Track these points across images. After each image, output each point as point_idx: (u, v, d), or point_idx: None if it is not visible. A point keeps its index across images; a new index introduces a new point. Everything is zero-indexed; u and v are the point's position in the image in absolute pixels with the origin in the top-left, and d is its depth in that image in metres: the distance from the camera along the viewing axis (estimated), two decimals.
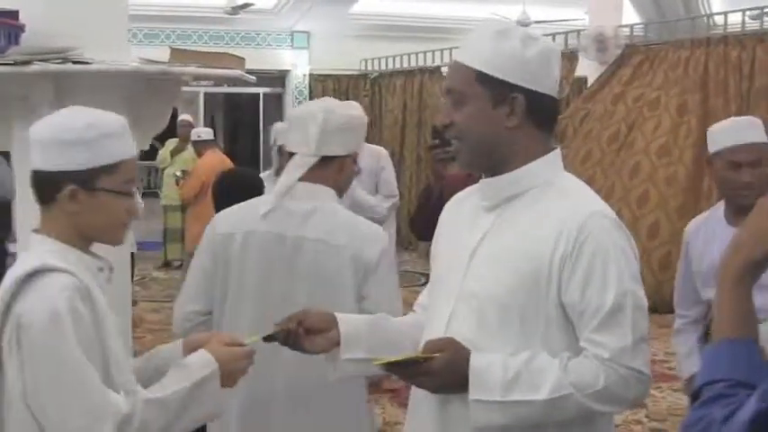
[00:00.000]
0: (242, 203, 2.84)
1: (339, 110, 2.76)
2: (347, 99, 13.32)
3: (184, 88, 3.78)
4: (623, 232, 2.07)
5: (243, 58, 3.51)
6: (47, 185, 2.03)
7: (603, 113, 8.57)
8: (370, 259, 2.68)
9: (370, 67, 13.71)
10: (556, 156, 2.15)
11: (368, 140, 4.06)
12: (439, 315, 2.16)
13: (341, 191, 2.81)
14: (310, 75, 13.78)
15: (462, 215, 2.24)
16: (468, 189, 2.33)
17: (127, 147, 2.04)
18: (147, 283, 10.40)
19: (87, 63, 3.10)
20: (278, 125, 6.88)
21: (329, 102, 2.83)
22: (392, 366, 2.06)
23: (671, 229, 7.54)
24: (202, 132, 9.33)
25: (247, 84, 3.67)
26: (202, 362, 2.10)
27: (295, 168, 2.73)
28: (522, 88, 2.06)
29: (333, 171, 2.75)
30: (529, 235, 2.04)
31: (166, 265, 11.20)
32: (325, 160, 2.73)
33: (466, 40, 2.15)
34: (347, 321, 2.29)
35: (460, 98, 2.09)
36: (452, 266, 2.16)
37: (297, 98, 13.72)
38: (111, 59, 3.19)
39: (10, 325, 1.95)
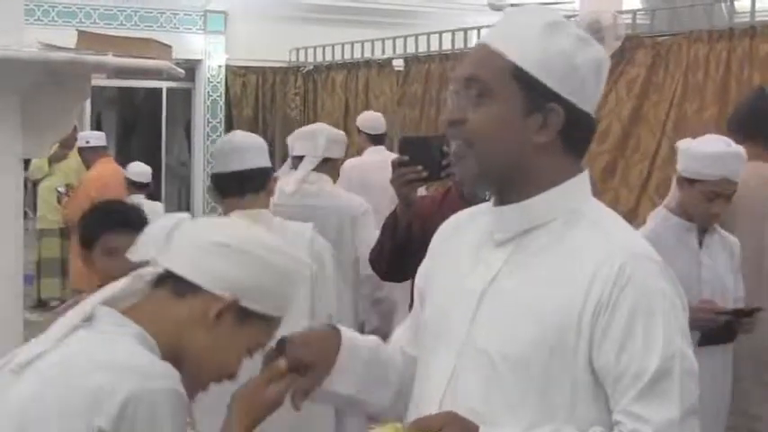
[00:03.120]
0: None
1: (334, 128, 5.90)
2: (273, 97, 13.61)
3: None
4: (671, 279, 2.09)
5: (169, 47, 3.51)
6: (265, 178, 3.84)
7: (622, 136, 8.60)
8: (356, 216, 5.40)
9: (302, 58, 13.68)
10: (584, 179, 2.18)
11: None
12: (435, 374, 2.17)
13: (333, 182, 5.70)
14: (227, 66, 13.73)
15: (463, 246, 2.25)
16: (468, 211, 2.35)
17: None
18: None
19: None
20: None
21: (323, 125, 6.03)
22: None
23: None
24: (92, 137, 9.29)
25: (147, 75, 3.69)
26: None
27: (307, 165, 5.41)
28: (563, 99, 2.08)
29: (329, 168, 5.56)
30: (553, 278, 2.06)
31: (41, 305, 10.96)
32: (324, 161, 5.48)
33: (504, 24, 2.16)
34: (349, 352, 2.31)
35: (484, 92, 2.09)
36: (453, 311, 2.17)
37: (210, 95, 13.66)
38: (4, 44, 3.16)
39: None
